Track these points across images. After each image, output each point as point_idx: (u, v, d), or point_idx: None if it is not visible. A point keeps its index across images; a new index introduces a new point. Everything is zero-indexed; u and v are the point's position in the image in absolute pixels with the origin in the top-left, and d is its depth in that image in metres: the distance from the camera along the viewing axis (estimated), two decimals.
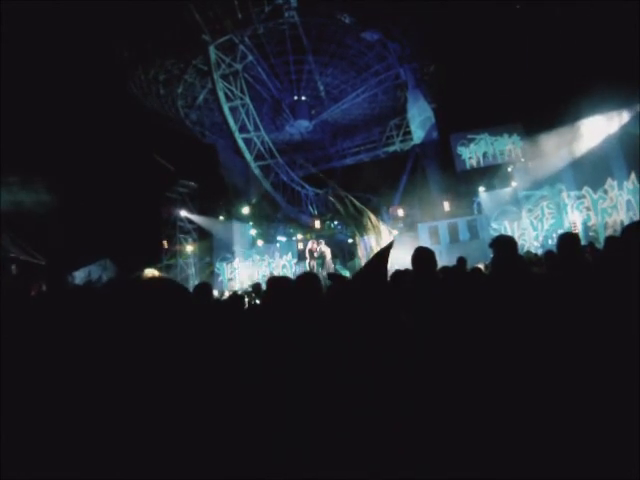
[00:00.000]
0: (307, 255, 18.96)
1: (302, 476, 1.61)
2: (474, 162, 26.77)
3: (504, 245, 3.12)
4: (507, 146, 26.23)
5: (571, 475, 1.91)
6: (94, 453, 1.35)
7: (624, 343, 2.04)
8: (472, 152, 26.69)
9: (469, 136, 26.77)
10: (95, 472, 1.32)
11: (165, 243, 28.55)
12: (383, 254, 2.37)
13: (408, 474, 1.75)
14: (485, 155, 26.59)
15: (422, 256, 3.29)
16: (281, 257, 25.60)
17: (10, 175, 18.07)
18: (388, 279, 3.21)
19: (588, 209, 19.17)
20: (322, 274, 17.40)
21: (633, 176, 18.17)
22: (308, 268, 17.93)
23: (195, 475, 1.41)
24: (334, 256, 19.57)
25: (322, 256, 18.34)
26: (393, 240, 3.08)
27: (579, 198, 19.62)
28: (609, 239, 3.30)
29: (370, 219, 23.75)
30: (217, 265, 26.15)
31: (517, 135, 26.01)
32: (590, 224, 19.08)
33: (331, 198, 26.76)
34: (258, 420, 1.65)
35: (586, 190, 19.34)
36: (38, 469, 1.32)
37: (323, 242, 19.28)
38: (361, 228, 25.04)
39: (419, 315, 2.67)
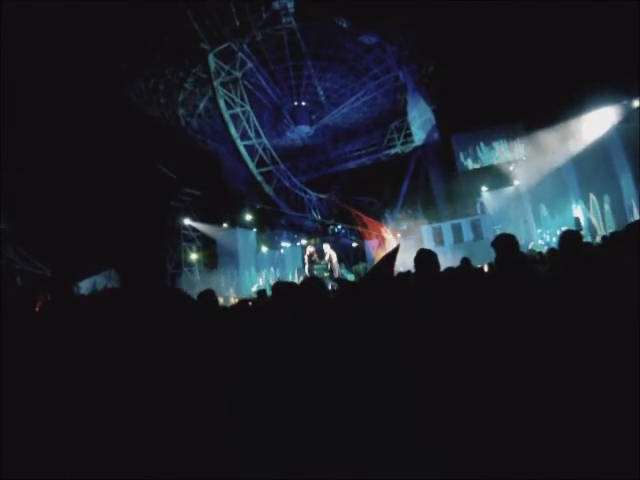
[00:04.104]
0: (306, 261, 18.83)
1: (304, 476, 1.62)
2: (476, 163, 26.81)
3: (505, 244, 3.11)
4: (509, 149, 26.15)
5: (572, 475, 1.91)
6: (109, 457, 1.37)
7: (626, 340, 2.04)
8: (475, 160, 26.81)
9: (471, 148, 26.79)
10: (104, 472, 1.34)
11: (169, 252, 28.59)
12: (389, 258, 2.38)
13: (410, 473, 1.76)
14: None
15: (424, 258, 3.30)
16: (286, 268, 25.98)
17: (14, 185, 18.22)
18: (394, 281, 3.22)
19: (595, 230, 18.74)
20: (332, 276, 17.34)
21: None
22: (308, 274, 17.78)
23: (198, 474, 1.42)
24: (339, 260, 19.48)
25: (328, 260, 18.21)
26: (399, 244, 3.09)
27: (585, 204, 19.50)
28: (612, 235, 3.29)
29: (365, 225, 23.81)
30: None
31: (519, 137, 25.85)
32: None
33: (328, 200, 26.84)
34: (263, 420, 1.66)
35: (592, 202, 19.17)
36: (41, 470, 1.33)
37: (329, 245, 19.13)
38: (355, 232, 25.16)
39: (422, 316, 2.67)
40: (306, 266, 18.77)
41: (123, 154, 25.29)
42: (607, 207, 18.85)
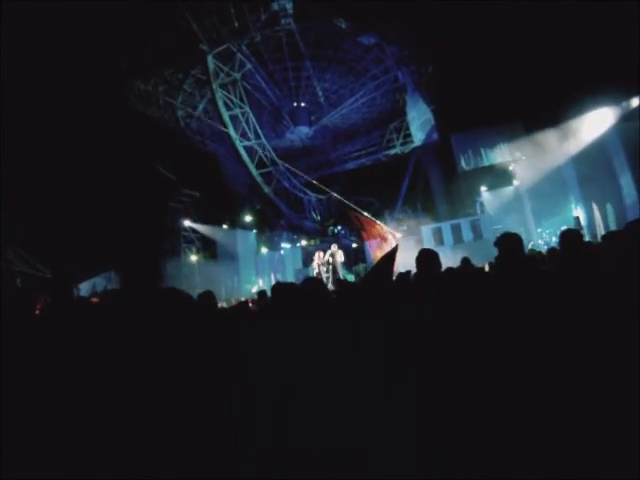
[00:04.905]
0: (315, 265, 18.82)
1: (304, 476, 1.62)
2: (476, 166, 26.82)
3: (509, 243, 3.08)
4: (508, 152, 26.06)
5: (572, 475, 1.91)
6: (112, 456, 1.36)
7: (627, 339, 2.04)
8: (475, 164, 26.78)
9: (471, 152, 26.74)
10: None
11: (169, 253, 28.59)
12: (388, 258, 2.38)
13: (410, 473, 1.75)
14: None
15: (426, 257, 3.29)
16: (286, 269, 26.03)
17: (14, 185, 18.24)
18: (393, 281, 3.22)
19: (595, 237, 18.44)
20: (332, 277, 17.29)
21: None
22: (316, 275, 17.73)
23: (198, 474, 1.42)
24: None
25: (330, 257, 18.12)
26: (397, 245, 3.10)
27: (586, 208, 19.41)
28: (610, 234, 3.29)
29: (362, 225, 23.81)
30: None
31: (518, 137, 25.73)
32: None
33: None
34: (263, 420, 1.66)
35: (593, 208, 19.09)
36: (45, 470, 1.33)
37: (336, 245, 19.06)
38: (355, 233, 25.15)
39: (423, 316, 2.67)
40: (315, 270, 18.75)
41: (122, 155, 25.27)
42: (609, 208, 18.80)
